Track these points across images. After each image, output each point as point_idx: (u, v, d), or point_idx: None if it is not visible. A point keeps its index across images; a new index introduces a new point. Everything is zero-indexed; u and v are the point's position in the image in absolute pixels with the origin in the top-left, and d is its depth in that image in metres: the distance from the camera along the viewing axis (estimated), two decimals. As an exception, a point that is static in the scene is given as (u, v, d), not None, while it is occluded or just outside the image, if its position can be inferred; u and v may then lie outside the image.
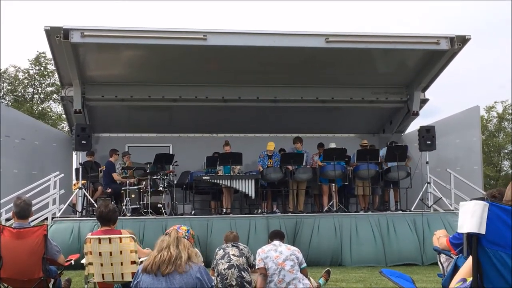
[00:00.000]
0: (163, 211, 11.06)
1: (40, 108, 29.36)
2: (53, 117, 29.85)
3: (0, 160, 11.50)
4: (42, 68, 28.86)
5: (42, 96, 30.09)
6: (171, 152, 13.43)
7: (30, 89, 30.02)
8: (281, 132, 14.30)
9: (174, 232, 3.80)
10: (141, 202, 11.05)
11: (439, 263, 5.03)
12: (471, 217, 3.22)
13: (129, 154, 12.77)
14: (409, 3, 56.10)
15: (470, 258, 3.70)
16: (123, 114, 13.79)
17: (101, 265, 5.29)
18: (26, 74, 29.31)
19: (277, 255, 5.84)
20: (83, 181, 11.34)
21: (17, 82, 29.09)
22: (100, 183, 12.12)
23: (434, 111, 38.74)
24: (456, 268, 4.02)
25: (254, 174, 11.81)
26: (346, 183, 12.15)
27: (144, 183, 11.39)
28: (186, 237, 3.81)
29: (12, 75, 28.98)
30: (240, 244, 6.37)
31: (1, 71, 28.41)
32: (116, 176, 11.97)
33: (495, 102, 34.22)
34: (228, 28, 12.77)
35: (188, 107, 13.33)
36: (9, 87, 29.18)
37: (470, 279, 3.53)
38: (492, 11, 52.89)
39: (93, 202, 11.22)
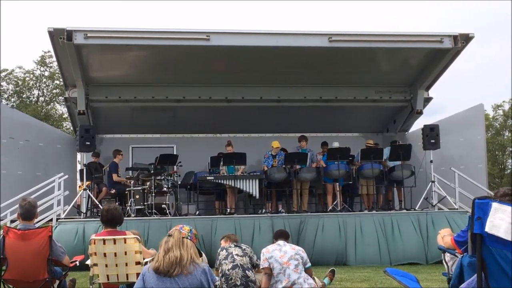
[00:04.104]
0: (168, 212, 11.07)
1: (45, 110, 29.46)
2: (55, 117, 29.94)
3: (0, 161, 11.52)
4: (48, 69, 28.95)
5: (47, 98, 30.20)
6: (175, 153, 13.44)
7: (36, 91, 30.11)
8: (285, 132, 14.28)
9: (177, 233, 3.81)
10: (146, 203, 11.07)
11: (443, 262, 5.02)
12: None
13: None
14: (412, 3, 55.99)
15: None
16: (126, 115, 13.81)
17: (106, 266, 5.30)
18: (31, 75, 29.41)
19: (282, 254, 5.84)
20: (87, 182, 11.36)
21: (22, 83, 29.18)
22: (105, 184, 12.15)
23: (439, 110, 38.72)
24: (461, 268, 4.02)
25: (258, 174, 11.81)
26: (350, 182, 12.14)
27: (148, 183, 11.40)
28: (189, 237, 3.81)
29: (20, 77, 29.08)
30: (243, 244, 6.38)
31: (3, 72, 28.49)
32: (115, 177, 11.99)
33: (504, 101, 34.25)
34: (231, 28, 12.78)
35: (192, 108, 13.33)
36: (16, 89, 29.29)
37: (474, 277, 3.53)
38: (495, 9, 52.75)
39: (97, 203, 11.24)
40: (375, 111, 14.21)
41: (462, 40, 10.99)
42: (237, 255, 6.01)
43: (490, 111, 34.21)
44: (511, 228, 3.30)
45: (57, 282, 5.47)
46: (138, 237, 5.44)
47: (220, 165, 12.15)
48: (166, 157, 11.98)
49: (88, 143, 10.97)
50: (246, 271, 5.89)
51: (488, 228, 3.34)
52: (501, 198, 3.73)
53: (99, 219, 7.16)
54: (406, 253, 10.34)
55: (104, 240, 5.27)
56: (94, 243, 5.29)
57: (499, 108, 34.18)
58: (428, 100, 13.75)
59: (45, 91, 30.27)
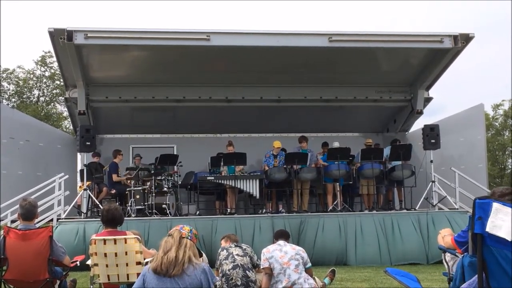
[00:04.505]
0: (168, 212, 11.08)
1: (45, 110, 29.46)
2: (54, 117, 29.94)
3: (0, 161, 11.52)
4: (49, 69, 28.95)
5: (47, 99, 30.20)
6: (175, 153, 13.45)
7: (36, 92, 30.11)
8: (285, 132, 14.29)
9: (177, 233, 3.81)
10: (146, 203, 11.07)
11: (444, 262, 5.02)
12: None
13: (140, 157, 12.86)
14: (412, 3, 55.99)
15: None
16: (127, 115, 13.82)
17: (107, 266, 5.30)
18: (32, 75, 29.40)
19: (282, 255, 5.84)
20: (88, 182, 11.36)
21: (22, 83, 29.17)
22: (105, 184, 12.15)
23: (439, 109, 38.69)
24: (462, 268, 4.02)
25: (258, 174, 11.81)
26: (350, 182, 12.14)
27: (148, 184, 11.41)
28: (189, 237, 3.81)
29: (21, 77, 29.07)
30: (243, 244, 6.38)
31: (6, 71, 28.50)
32: (115, 177, 12.00)
33: (503, 100, 34.23)
34: (231, 28, 12.79)
35: (192, 108, 13.34)
36: (17, 89, 29.28)
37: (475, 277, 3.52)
38: (495, 9, 52.77)
39: (98, 203, 11.24)
40: (375, 111, 14.21)
41: (462, 40, 11.00)
42: (237, 255, 6.00)
43: (490, 111, 34.22)
44: None
45: (58, 282, 5.47)
46: (139, 237, 5.44)
47: (220, 165, 12.14)
48: (167, 157, 11.98)
49: (89, 143, 10.98)
50: (247, 271, 5.89)
51: (489, 228, 3.34)
52: (499, 198, 3.73)
53: (99, 219, 7.17)
54: (406, 253, 10.33)
55: (104, 240, 5.27)
56: (95, 243, 5.29)
57: (499, 107, 34.17)
58: (428, 100, 13.76)
59: (45, 91, 30.27)
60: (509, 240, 3.29)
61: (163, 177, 11.62)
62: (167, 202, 11.26)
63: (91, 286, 5.64)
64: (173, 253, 3.65)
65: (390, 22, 51.25)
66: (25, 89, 29.66)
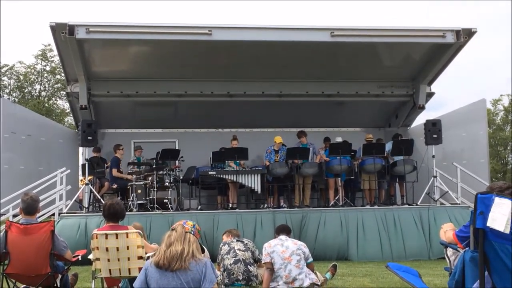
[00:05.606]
0: (170, 207, 11.09)
1: (47, 105, 29.41)
2: (57, 112, 29.90)
3: (0, 155, 11.52)
4: (49, 64, 28.87)
5: (49, 93, 30.15)
6: (177, 148, 13.44)
7: (37, 86, 30.05)
8: (286, 126, 14.26)
9: (180, 227, 3.81)
10: (148, 198, 11.09)
11: (445, 257, 5.02)
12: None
13: (141, 148, 12.85)
14: (413, 2, 55.78)
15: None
16: (128, 110, 13.82)
17: (108, 260, 5.30)
18: (33, 70, 29.35)
19: (284, 249, 5.85)
20: (89, 177, 11.37)
21: (23, 78, 29.13)
22: (107, 179, 12.16)
23: (441, 105, 38.59)
24: (463, 263, 4.01)
25: (260, 169, 11.81)
26: (352, 177, 12.14)
27: (150, 178, 11.41)
28: (192, 232, 3.81)
29: (21, 72, 29.02)
30: (245, 239, 6.39)
31: (5, 66, 28.46)
32: (115, 172, 12.01)
33: (501, 95, 34.08)
34: (233, 23, 12.74)
35: (194, 102, 13.33)
36: (17, 84, 29.23)
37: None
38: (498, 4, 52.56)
39: (99, 197, 11.26)
40: (377, 106, 14.20)
41: (465, 35, 10.96)
42: (239, 249, 6.02)
43: (490, 106, 34.06)
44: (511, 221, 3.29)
45: (60, 276, 5.48)
46: (141, 231, 5.44)
47: (221, 160, 12.14)
48: (168, 152, 12.00)
49: (90, 137, 10.98)
50: (248, 266, 5.90)
51: (489, 223, 3.34)
52: (498, 193, 3.71)
53: (101, 213, 7.17)
54: (408, 249, 10.33)
55: (106, 235, 5.27)
56: (96, 238, 5.29)
57: (498, 102, 34.02)
58: (430, 95, 13.73)
59: (46, 85, 30.22)
60: (503, 231, 3.28)
61: (165, 172, 11.61)
62: (169, 197, 11.27)
63: (93, 281, 5.65)
64: (177, 247, 3.66)
65: (393, 15, 51.09)
66: (26, 84, 29.60)
